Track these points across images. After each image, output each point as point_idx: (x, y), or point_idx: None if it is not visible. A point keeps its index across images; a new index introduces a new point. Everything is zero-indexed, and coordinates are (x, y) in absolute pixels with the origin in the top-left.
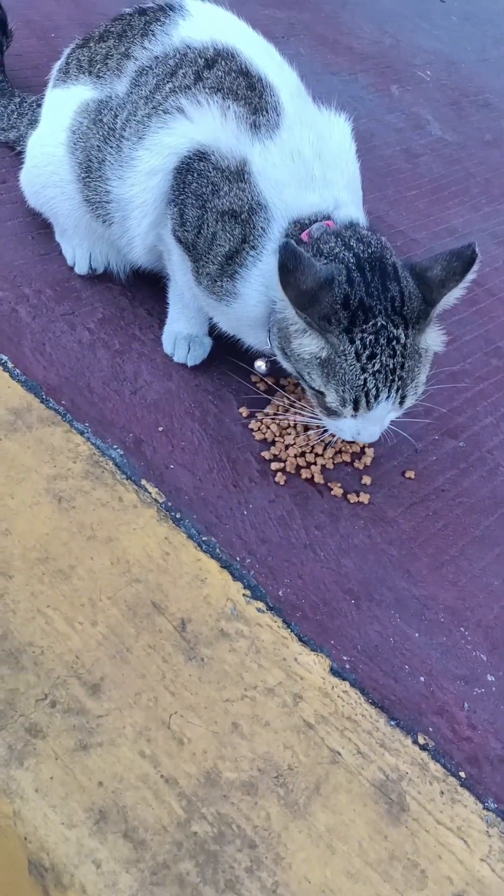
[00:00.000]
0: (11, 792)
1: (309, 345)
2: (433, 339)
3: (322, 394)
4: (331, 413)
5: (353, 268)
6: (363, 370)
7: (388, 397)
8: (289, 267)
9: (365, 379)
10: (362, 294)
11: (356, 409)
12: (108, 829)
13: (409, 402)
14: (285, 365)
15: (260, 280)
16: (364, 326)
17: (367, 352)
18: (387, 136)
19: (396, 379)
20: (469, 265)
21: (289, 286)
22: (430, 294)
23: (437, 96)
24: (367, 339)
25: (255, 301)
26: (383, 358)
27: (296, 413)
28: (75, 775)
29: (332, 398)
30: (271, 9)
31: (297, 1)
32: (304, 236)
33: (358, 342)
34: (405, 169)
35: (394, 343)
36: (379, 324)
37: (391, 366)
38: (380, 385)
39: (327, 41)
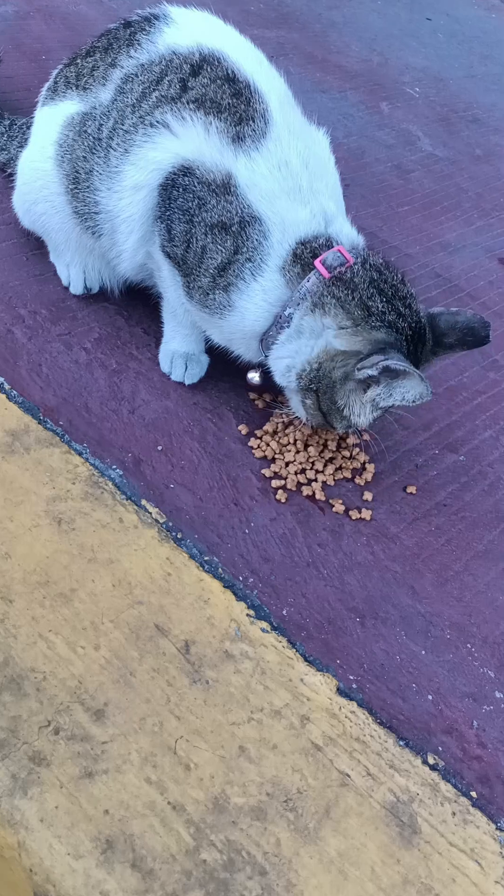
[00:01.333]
0: (16, 822)
1: (362, 413)
2: None
3: (334, 428)
4: (318, 426)
5: (409, 340)
6: (381, 416)
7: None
8: (399, 372)
9: (376, 420)
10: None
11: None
12: (115, 858)
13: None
14: (289, 386)
15: (262, 296)
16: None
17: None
18: (378, 153)
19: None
20: (479, 345)
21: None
22: (437, 349)
23: (426, 113)
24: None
25: (255, 315)
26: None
27: (297, 428)
28: (81, 804)
29: (340, 428)
30: (260, 28)
31: (286, 20)
32: (317, 264)
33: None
34: (397, 185)
35: None
36: None
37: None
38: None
39: (316, 60)
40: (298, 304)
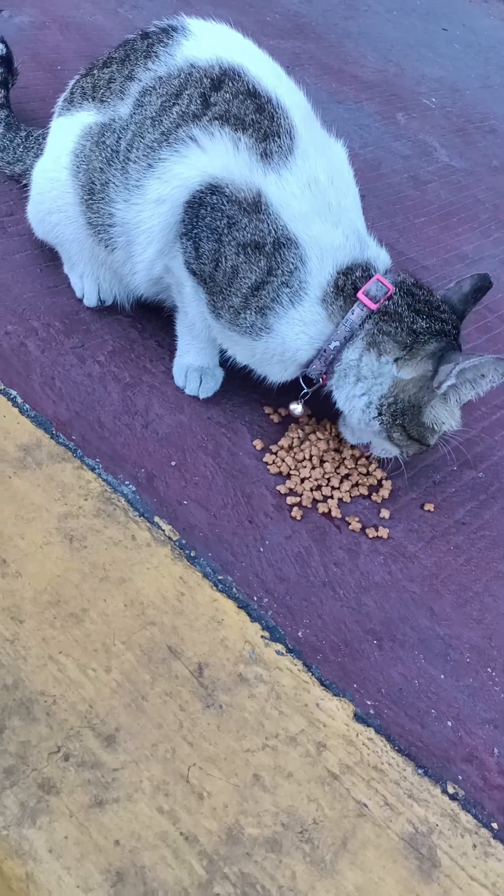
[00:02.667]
0: (24, 853)
1: (444, 414)
2: None
3: (429, 445)
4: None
5: (454, 337)
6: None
7: None
8: (469, 367)
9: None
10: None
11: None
12: (125, 892)
13: None
14: (367, 429)
15: (301, 326)
16: None
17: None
18: (394, 164)
19: None
20: (487, 290)
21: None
22: (462, 318)
23: (442, 123)
24: None
25: (297, 344)
26: None
27: (313, 444)
28: (91, 834)
29: (433, 441)
30: (276, 39)
31: (302, 31)
32: (361, 297)
33: None
34: (413, 196)
35: None
36: None
37: None
38: None
39: (332, 70)
40: (347, 340)
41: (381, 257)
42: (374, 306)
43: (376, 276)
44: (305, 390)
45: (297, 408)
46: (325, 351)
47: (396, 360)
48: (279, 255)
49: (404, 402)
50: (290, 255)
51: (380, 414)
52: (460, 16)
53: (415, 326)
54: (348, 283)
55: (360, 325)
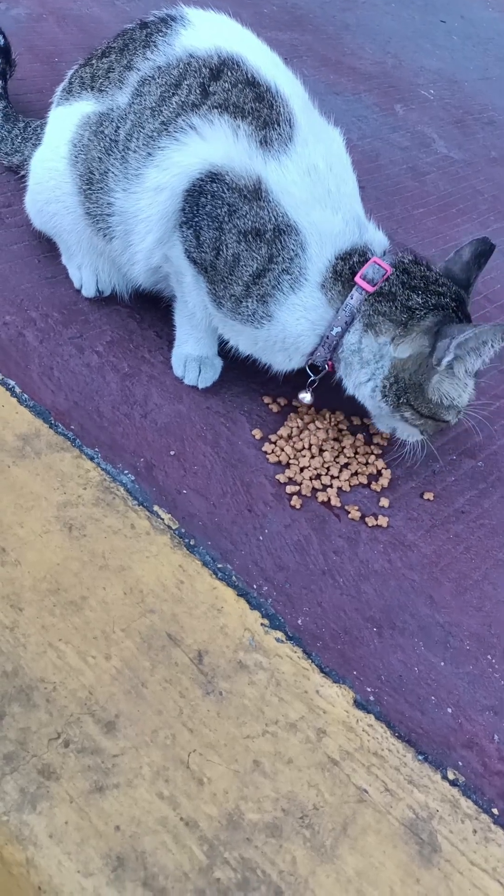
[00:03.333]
0: (24, 838)
1: (453, 388)
2: None
3: (447, 421)
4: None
5: (453, 309)
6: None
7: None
8: (469, 337)
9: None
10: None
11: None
12: (126, 876)
13: None
14: (381, 412)
15: (301, 311)
16: None
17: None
18: (393, 155)
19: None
20: (491, 254)
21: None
22: (468, 289)
23: (441, 115)
24: None
25: (297, 330)
26: None
27: (312, 433)
28: (91, 819)
29: (452, 417)
30: (273, 31)
31: (300, 22)
32: (359, 280)
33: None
34: (412, 187)
35: None
36: None
37: None
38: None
39: (330, 62)
40: (348, 324)
41: (377, 240)
42: (371, 289)
43: (373, 259)
44: (312, 378)
45: (305, 396)
46: (327, 337)
47: (393, 339)
48: (280, 241)
49: (405, 381)
50: (290, 241)
51: (384, 396)
52: (458, 7)
53: (409, 303)
54: (346, 267)
55: (358, 309)
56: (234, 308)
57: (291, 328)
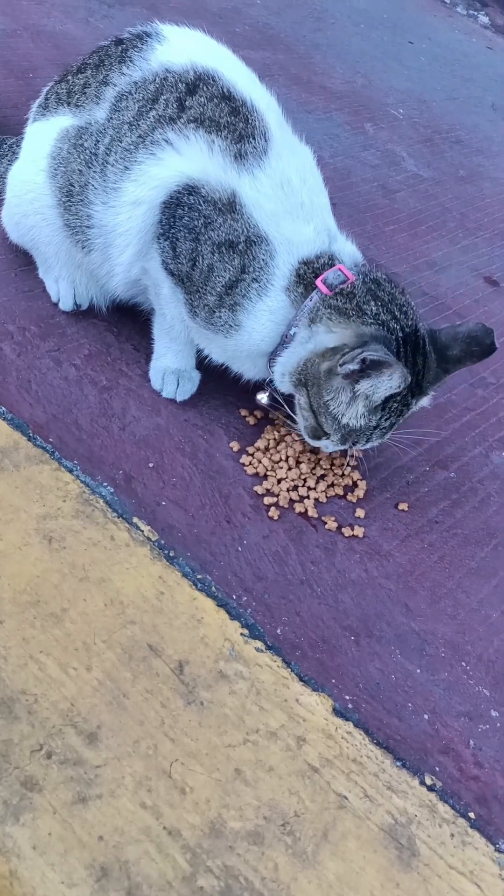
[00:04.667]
0: (7, 850)
1: (348, 412)
2: (428, 399)
3: (327, 434)
4: (316, 438)
5: (401, 342)
6: (376, 427)
7: (377, 441)
8: (380, 363)
9: (371, 432)
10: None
11: (352, 446)
12: (110, 886)
13: (387, 438)
14: (297, 396)
15: (268, 315)
16: (396, 398)
17: (387, 417)
18: (363, 173)
19: (390, 430)
20: (487, 354)
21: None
22: (446, 366)
23: (410, 134)
24: (392, 407)
25: (262, 335)
26: (392, 419)
27: (289, 445)
28: (74, 830)
29: (335, 439)
30: (245, 49)
31: (271, 42)
32: (319, 283)
33: (385, 411)
34: (383, 204)
35: (404, 408)
36: (404, 395)
37: (393, 423)
38: (378, 436)
39: (301, 81)
40: (302, 321)
41: (346, 251)
42: (328, 292)
43: (338, 266)
44: (271, 378)
45: (262, 397)
46: (286, 336)
47: (332, 328)
48: (251, 252)
49: (313, 366)
50: (260, 251)
51: (293, 371)
52: (426, 29)
53: (365, 307)
54: (309, 271)
55: (313, 309)
56: (208, 318)
57: (257, 333)
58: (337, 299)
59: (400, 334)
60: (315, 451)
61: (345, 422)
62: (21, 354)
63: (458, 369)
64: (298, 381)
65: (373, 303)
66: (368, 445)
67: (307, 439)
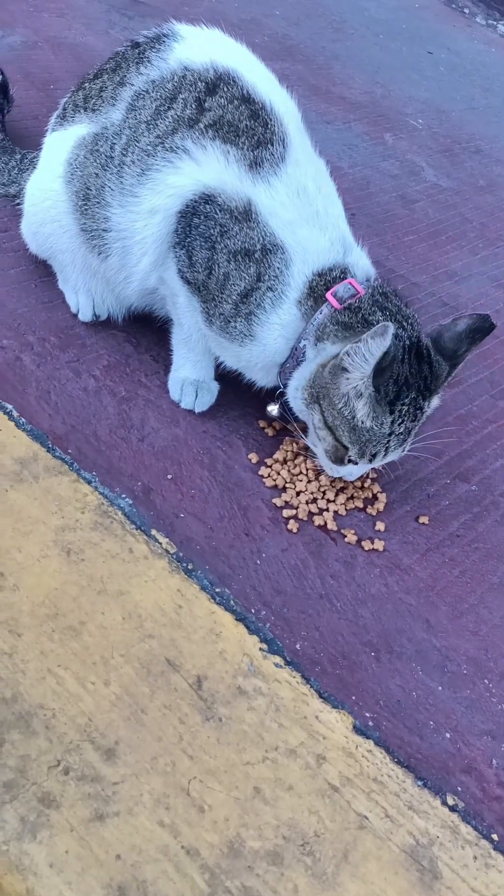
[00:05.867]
0: (24, 868)
1: (357, 410)
2: (436, 400)
3: (346, 447)
4: (338, 461)
5: (405, 350)
6: (390, 434)
7: (397, 452)
8: (390, 355)
9: (389, 440)
10: (407, 373)
11: (371, 460)
12: None
13: (405, 451)
14: (304, 415)
15: (279, 328)
16: (404, 400)
17: (399, 420)
18: (383, 183)
19: (407, 438)
20: (489, 332)
21: (380, 372)
22: (454, 361)
23: (429, 144)
24: (403, 410)
25: (274, 346)
26: (406, 423)
27: (307, 459)
28: (91, 848)
29: (354, 452)
30: (265, 60)
31: (290, 53)
32: (329, 297)
33: (396, 413)
34: (402, 214)
35: (418, 412)
36: (412, 397)
37: (409, 429)
38: (396, 444)
39: (320, 91)
40: (310, 336)
41: (360, 264)
42: (338, 306)
43: (348, 280)
44: (282, 389)
45: (273, 409)
46: (296, 350)
47: (334, 342)
48: (267, 261)
49: (321, 375)
50: (276, 260)
51: (304, 388)
52: (445, 39)
53: (371, 318)
54: (321, 283)
55: (322, 323)
56: (224, 327)
57: (270, 345)
58: (344, 314)
59: (407, 342)
60: None
61: (359, 423)
62: (41, 365)
63: (465, 357)
64: (311, 396)
65: (379, 314)
66: (389, 458)
67: (330, 468)
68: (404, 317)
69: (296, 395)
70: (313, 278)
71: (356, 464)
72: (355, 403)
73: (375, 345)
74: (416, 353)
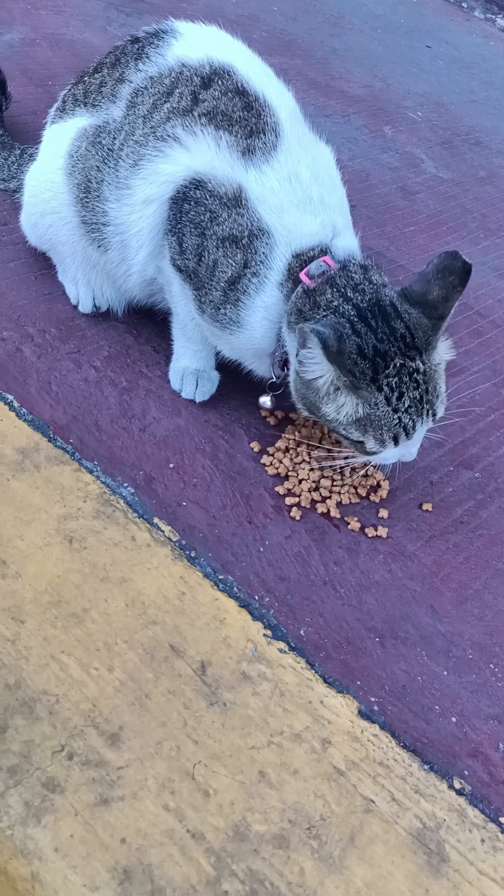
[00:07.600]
0: (29, 852)
1: (344, 405)
2: (443, 350)
3: (361, 442)
4: (370, 453)
5: (356, 319)
6: (396, 411)
7: (422, 422)
8: (329, 344)
9: (399, 418)
10: (373, 341)
11: (396, 444)
12: (133, 889)
13: (439, 413)
14: (308, 415)
15: (263, 312)
16: (386, 371)
17: (396, 393)
18: (382, 175)
19: (425, 404)
20: (465, 277)
21: (335, 357)
22: (437, 311)
23: (429, 136)
24: (392, 382)
25: (261, 332)
26: (410, 393)
27: (310, 448)
28: (97, 832)
29: (371, 444)
30: (263, 55)
31: (289, 48)
32: (302, 275)
33: (385, 388)
34: (402, 206)
35: (415, 375)
36: (398, 363)
37: (418, 396)
38: (414, 417)
39: (319, 85)
40: (284, 321)
41: (344, 246)
42: (310, 284)
43: (322, 258)
44: (273, 380)
45: (265, 401)
46: (280, 336)
47: (292, 326)
48: (253, 246)
49: (301, 391)
50: (261, 245)
51: (297, 401)
52: (443, 33)
53: (319, 299)
54: (297, 264)
55: (294, 304)
56: (214, 314)
57: (257, 330)
58: (301, 298)
59: (352, 312)
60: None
61: (354, 416)
62: (41, 357)
63: (451, 307)
64: (305, 407)
65: (329, 291)
66: (419, 431)
67: (365, 459)
68: (353, 286)
69: (296, 397)
70: (291, 260)
71: (384, 450)
72: (339, 399)
73: (310, 350)
74: (376, 314)
